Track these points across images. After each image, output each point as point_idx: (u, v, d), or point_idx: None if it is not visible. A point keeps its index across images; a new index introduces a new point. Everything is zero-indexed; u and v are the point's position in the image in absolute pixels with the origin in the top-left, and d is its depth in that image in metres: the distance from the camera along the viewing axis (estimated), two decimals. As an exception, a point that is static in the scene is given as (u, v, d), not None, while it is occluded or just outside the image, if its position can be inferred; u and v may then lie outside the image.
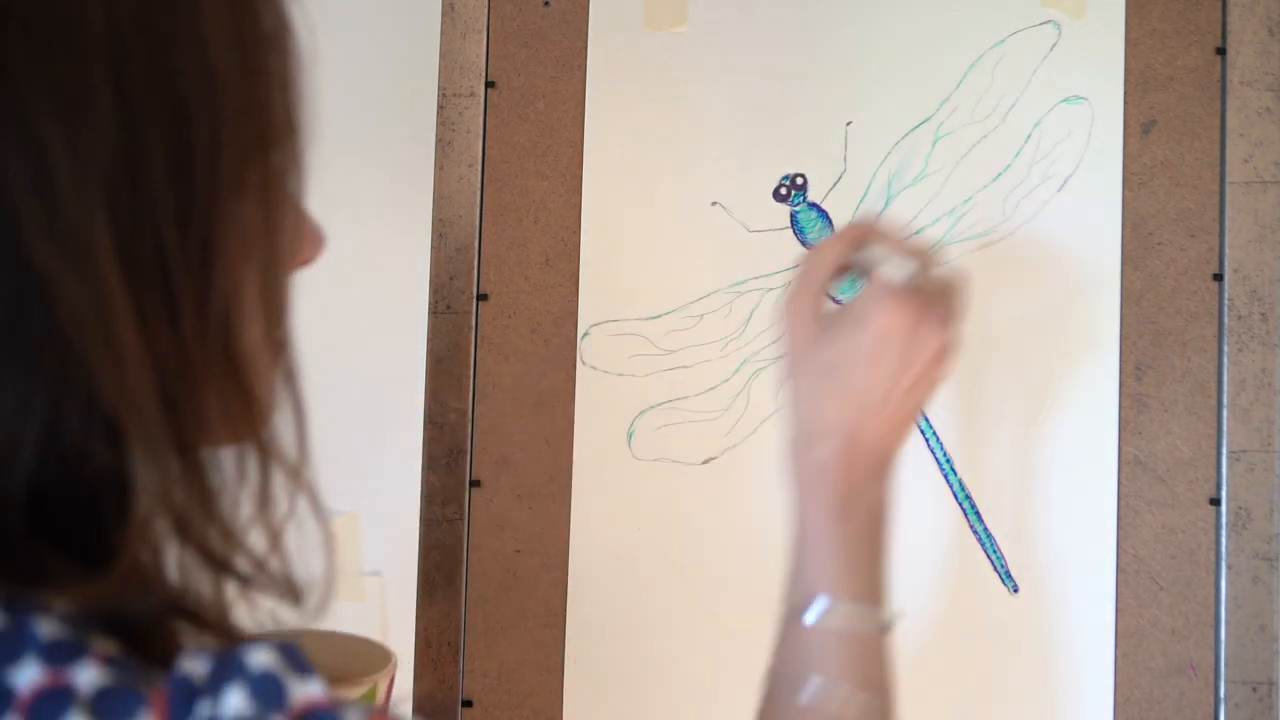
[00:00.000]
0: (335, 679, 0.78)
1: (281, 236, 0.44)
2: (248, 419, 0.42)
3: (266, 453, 0.42)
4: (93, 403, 0.37)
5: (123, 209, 0.37)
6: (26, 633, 0.38)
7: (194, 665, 0.38)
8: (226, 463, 0.42)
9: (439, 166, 0.96)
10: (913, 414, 0.67)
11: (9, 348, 0.37)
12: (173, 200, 0.38)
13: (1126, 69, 0.90)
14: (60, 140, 0.36)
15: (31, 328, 0.37)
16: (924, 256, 0.69)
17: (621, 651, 0.93)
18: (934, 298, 0.67)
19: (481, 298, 0.95)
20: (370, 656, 0.79)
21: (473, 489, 0.95)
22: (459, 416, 0.95)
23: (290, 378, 0.44)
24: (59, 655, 0.37)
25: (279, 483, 0.43)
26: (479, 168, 0.96)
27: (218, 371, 0.40)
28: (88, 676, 0.37)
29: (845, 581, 0.62)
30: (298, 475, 0.43)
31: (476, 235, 0.96)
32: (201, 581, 0.42)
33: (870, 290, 0.66)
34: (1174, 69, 0.90)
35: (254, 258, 0.42)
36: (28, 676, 0.37)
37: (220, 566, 0.42)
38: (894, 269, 0.68)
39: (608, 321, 0.94)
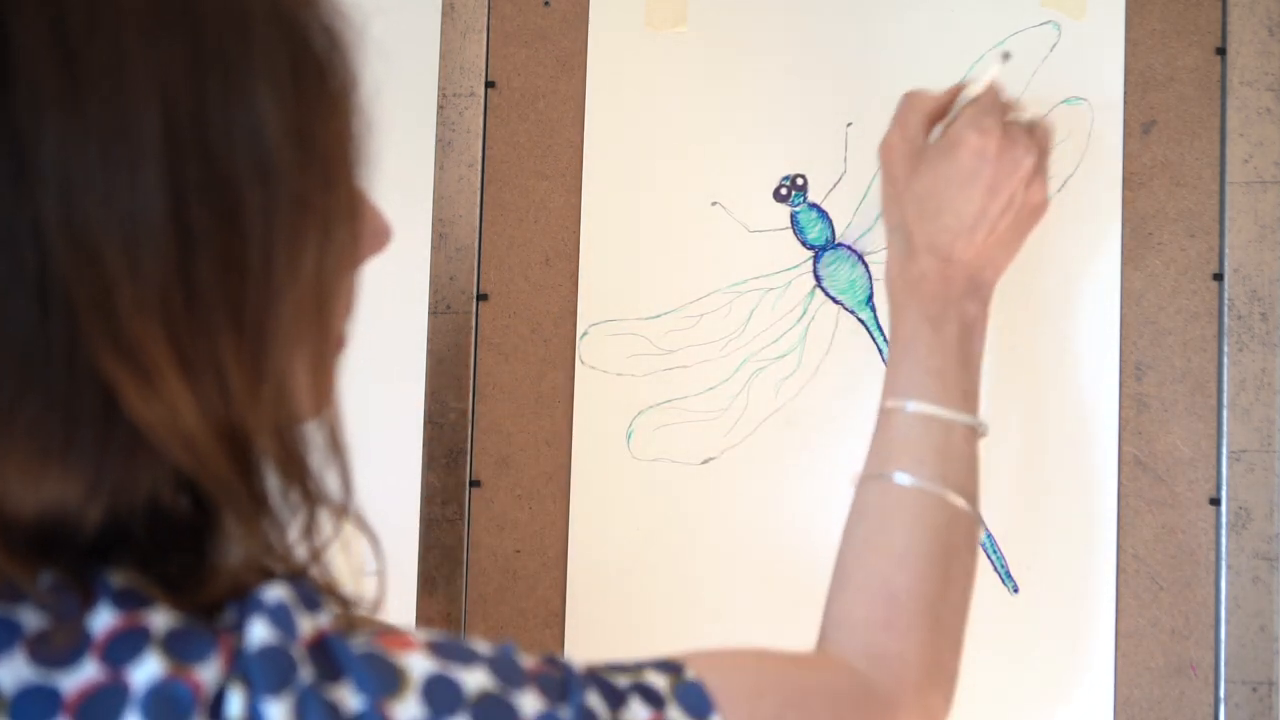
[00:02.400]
0: None
1: (333, 311, 0.44)
2: (296, 477, 0.44)
3: (313, 500, 0.45)
4: (176, 480, 0.41)
5: (179, 319, 0.38)
6: (99, 582, 0.40)
7: (225, 616, 0.41)
8: (279, 499, 0.44)
9: (439, 166, 0.96)
10: (1010, 237, 0.71)
11: (85, 447, 0.38)
12: (226, 304, 0.39)
13: (1126, 69, 0.90)
14: (117, 255, 0.36)
15: (110, 429, 0.38)
16: (1012, 105, 0.73)
17: (621, 651, 0.93)
18: (1022, 130, 0.71)
19: (481, 298, 0.95)
20: None
21: (473, 489, 0.95)
22: (459, 416, 0.95)
23: (336, 439, 0.45)
24: (132, 601, 0.40)
25: (324, 518, 0.46)
26: (479, 168, 0.96)
27: (268, 441, 0.42)
28: (161, 619, 0.39)
29: (931, 387, 0.66)
30: (343, 512, 0.46)
31: (476, 235, 0.96)
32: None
33: (962, 118, 0.70)
34: (1174, 69, 0.90)
35: (306, 337, 0.43)
36: (102, 620, 0.39)
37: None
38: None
39: (607, 321, 0.94)
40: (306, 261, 0.41)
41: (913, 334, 0.68)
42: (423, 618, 0.93)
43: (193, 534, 0.42)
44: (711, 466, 0.93)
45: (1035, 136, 0.73)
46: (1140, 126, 0.90)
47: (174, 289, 0.37)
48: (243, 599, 0.41)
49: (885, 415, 0.69)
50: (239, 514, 0.41)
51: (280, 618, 0.40)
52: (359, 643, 0.41)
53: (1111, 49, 0.90)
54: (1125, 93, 0.90)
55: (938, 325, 0.68)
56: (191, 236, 0.37)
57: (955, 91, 0.76)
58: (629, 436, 0.93)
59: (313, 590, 0.42)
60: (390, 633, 0.44)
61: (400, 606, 0.95)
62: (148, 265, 0.37)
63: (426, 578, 0.94)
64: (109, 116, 0.36)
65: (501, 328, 0.95)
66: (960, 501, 0.65)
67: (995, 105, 0.72)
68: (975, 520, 0.66)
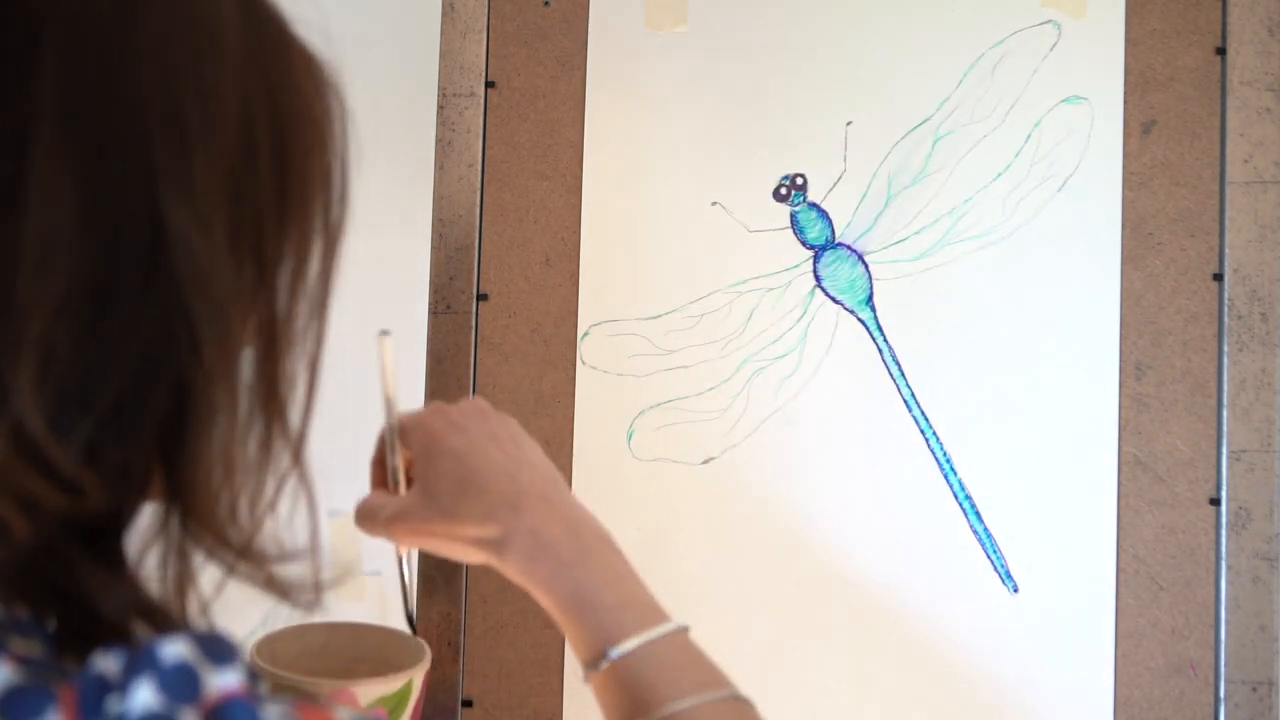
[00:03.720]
0: (372, 671, 0.78)
1: (329, 278, 0.49)
2: (271, 380, 0.46)
3: (274, 410, 0.46)
4: (180, 350, 0.41)
5: (236, 192, 0.42)
6: None
7: (107, 661, 0.37)
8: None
9: (439, 166, 0.96)
10: (527, 449, 0.68)
11: (135, 297, 0.40)
12: (274, 202, 0.44)
13: (1126, 69, 0.90)
14: (197, 122, 0.41)
15: (151, 271, 0.40)
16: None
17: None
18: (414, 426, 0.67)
19: (481, 298, 0.95)
20: (406, 649, 0.79)
21: (473, 489, 0.94)
22: (459, 416, 0.95)
23: (314, 364, 0.48)
24: None
25: (280, 445, 0.46)
26: (479, 168, 0.96)
27: (264, 330, 0.45)
28: (0, 675, 0.37)
29: (625, 623, 0.59)
30: (298, 447, 0.46)
31: (476, 235, 0.96)
32: (169, 587, 0.43)
33: (410, 428, 0.66)
34: (1174, 69, 0.90)
35: (305, 287, 0.47)
36: None
37: (218, 539, 0.43)
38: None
39: (608, 321, 0.94)
40: (322, 215, 0.48)
41: (573, 589, 0.60)
42: (423, 618, 0.93)
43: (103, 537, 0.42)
44: (711, 466, 0.93)
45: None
46: (1140, 126, 0.90)
47: (237, 164, 0.42)
48: (137, 647, 0.38)
49: (610, 672, 0.59)
50: (226, 404, 0.42)
51: (174, 680, 0.37)
52: (274, 711, 0.38)
53: (1111, 49, 0.90)
54: (1125, 93, 0.90)
55: (582, 568, 0.61)
56: (253, 134, 0.43)
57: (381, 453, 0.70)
58: (630, 437, 0.93)
59: (224, 644, 0.39)
60: (310, 705, 0.40)
61: (400, 606, 0.95)
62: (219, 136, 0.42)
63: (426, 578, 0.94)
64: (197, 27, 0.42)
65: (501, 328, 0.95)
66: (736, 690, 0.58)
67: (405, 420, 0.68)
68: (750, 703, 0.59)
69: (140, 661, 0.37)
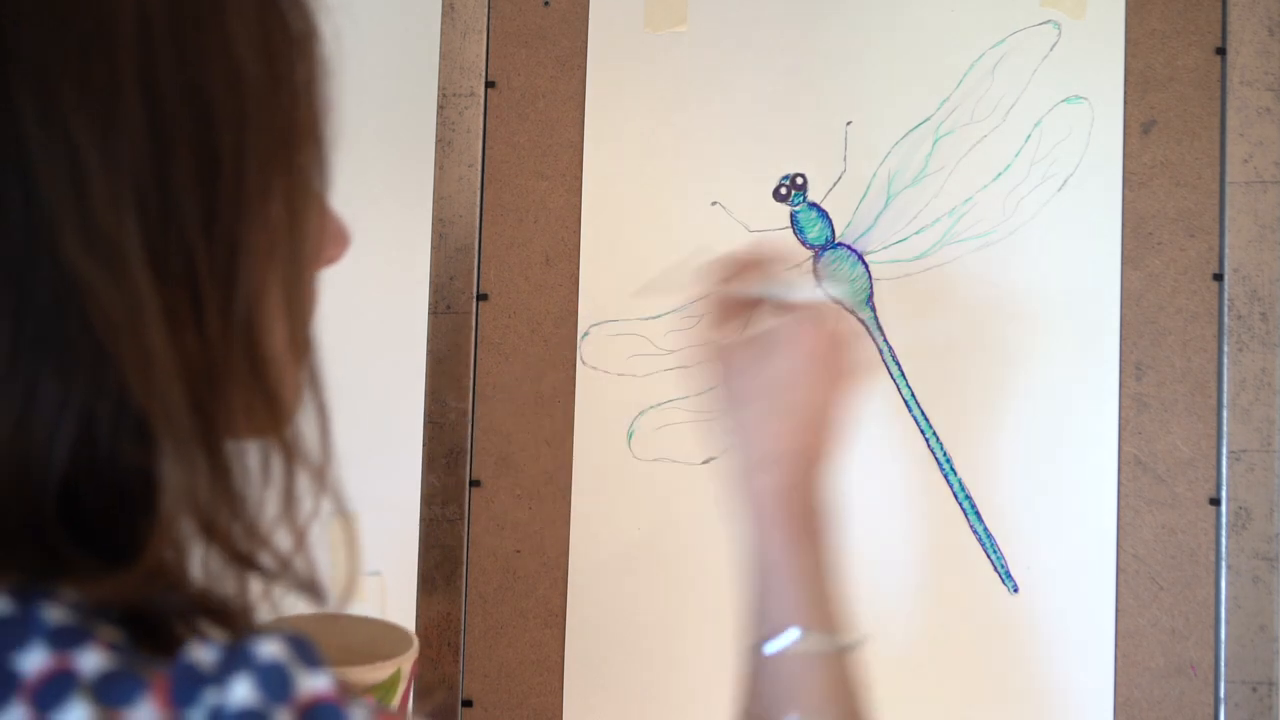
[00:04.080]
0: (361, 661, 0.78)
1: (306, 241, 0.44)
2: (271, 420, 0.43)
3: (291, 453, 0.43)
4: (123, 402, 0.38)
5: (151, 210, 0.38)
6: (34, 619, 0.38)
7: (202, 653, 0.38)
8: (252, 463, 0.43)
9: (439, 166, 0.96)
10: (842, 427, 0.66)
11: (47, 348, 0.37)
12: (199, 202, 0.39)
13: (1126, 69, 0.90)
14: (91, 138, 0.37)
15: (68, 328, 0.37)
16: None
17: (621, 651, 0.93)
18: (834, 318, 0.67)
19: (481, 298, 0.95)
20: (394, 640, 0.79)
21: (473, 489, 0.95)
22: (459, 416, 0.95)
23: (315, 380, 0.44)
24: (65, 640, 0.38)
25: (303, 483, 0.44)
26: (479, 168, 0.96)
27: (242, 372, 0.41)
28: (92, 661, 0.37)
29: (815, 610, 0.60)
30: (322, 476, 0.44)
31: (476, 235, 0.96)
32: (226, 580, 0.42)
33: (790, 316, 0.66)
34: (1174, 69, 0.90)
35: (278, 261, 0.42)
36: (34, 661, 0.37)
37: (244, 563, 0.42)
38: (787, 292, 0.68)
39: (608, 321, 0.94)
40: (277, 178, 0.42)
41: (787, 556, 0.62)
42: (423, 617, 0.93)
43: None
44: (712, 466, 0.93)
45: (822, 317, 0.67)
46: (1140, 126, 0.90)
47: (149, 185, 0.38)
48: (232, 643, 0.38)
49: (765, 650, 0.60)
50: (176, 450, 0.39)
51: (271, 678, 0.38)
52: (360, 716, 0.39)
53: (1111, 49, 0.90)
54: (1125, 93, 0.90)
55: (810, 540, 0.62)
56: (166, 136, 0.38)
57: (746, 265, 0.69)
58: (630, 436, 0.93)
59: (312, 648, 0.39)
60: (389, 713, 0.41)
61: (401, 606, 0.95)
62: (123, 157, 0.37)
63: (426, 578, 0.94)
64: (87, 8, 0.37)
65: (501, 328, 0.95)
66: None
67: (810, 309, 0.67)
68: None
69: (237, 657, 0.38)
